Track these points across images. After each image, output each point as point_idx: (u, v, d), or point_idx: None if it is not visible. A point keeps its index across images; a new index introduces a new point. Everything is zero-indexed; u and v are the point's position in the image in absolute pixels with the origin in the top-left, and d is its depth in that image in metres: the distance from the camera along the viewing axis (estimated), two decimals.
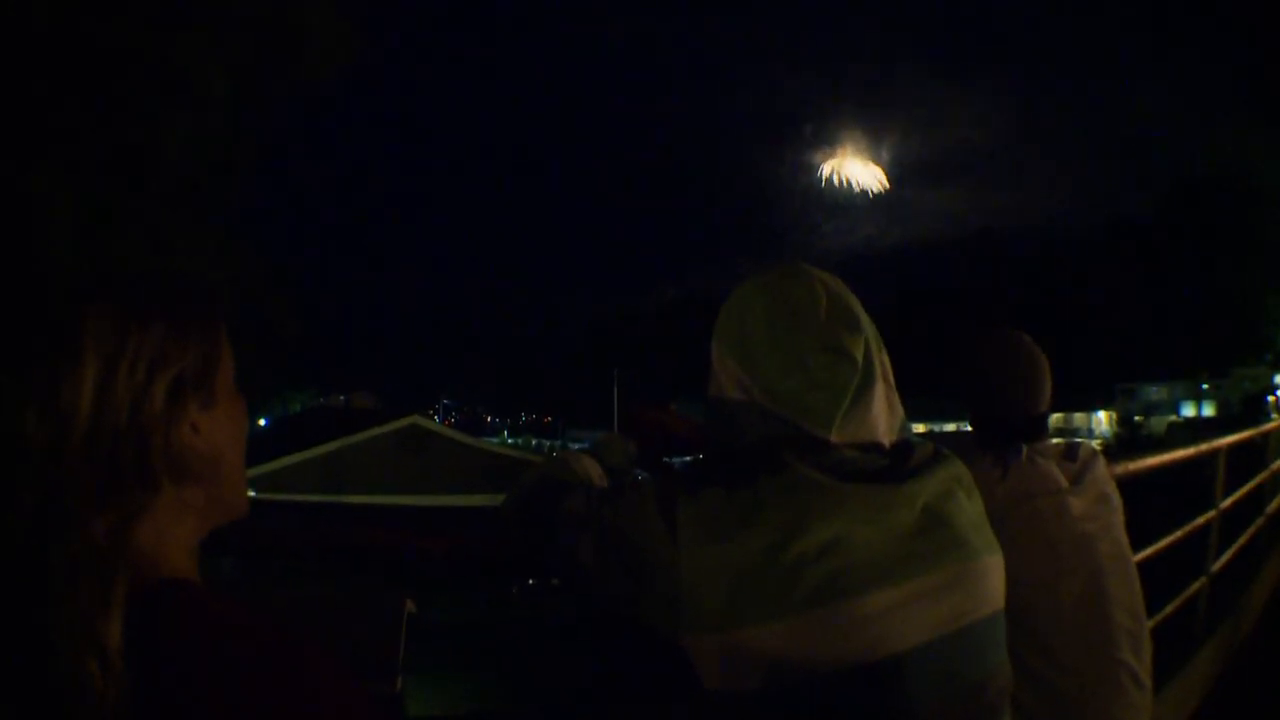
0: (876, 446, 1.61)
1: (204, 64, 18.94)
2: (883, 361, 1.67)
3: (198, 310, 1.22)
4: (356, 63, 22.88)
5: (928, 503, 1.53)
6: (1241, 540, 6.51)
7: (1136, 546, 2.81)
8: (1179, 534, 4.82)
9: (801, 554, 1.40)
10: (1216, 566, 5.69)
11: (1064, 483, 2.57)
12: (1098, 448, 2.83)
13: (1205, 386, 74.27)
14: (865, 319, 1.67)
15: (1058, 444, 2.72)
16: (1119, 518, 2.65)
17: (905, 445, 1.65)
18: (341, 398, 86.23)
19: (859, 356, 1.60)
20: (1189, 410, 76.12)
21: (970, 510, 1.61)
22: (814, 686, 1.39)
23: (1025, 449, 2.61)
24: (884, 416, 1.64)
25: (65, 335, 1.10)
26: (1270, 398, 59.58)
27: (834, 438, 1.57)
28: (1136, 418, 77.57)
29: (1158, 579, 3.91)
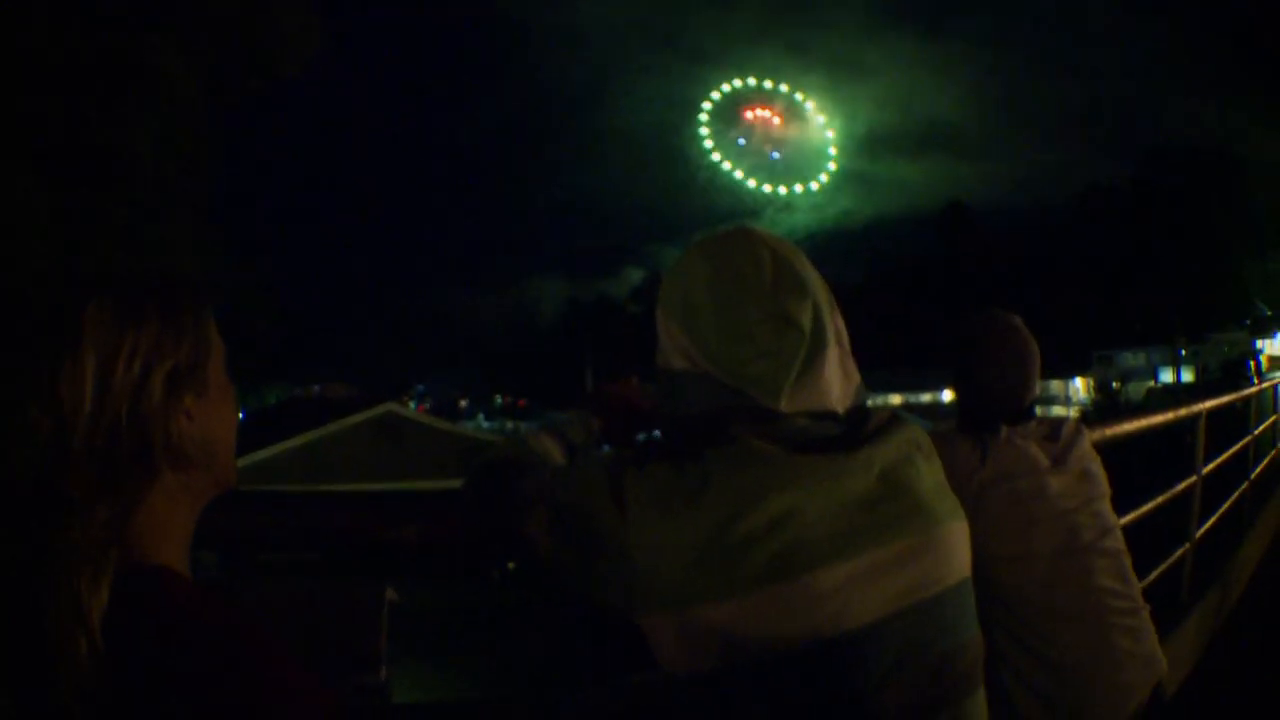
0: (830, 414, 1.55)
1: (173, 61, 19.02)
2: (836, 325, 1.61)
3: (189, 305, 1.28)
4: (326, 49, 22.98)
5: (884, 469, 1.48)
6: (1224, 507, 6.48)
7: (1119, 513, 2.78)
8: (1160, 500, 4.76)
9: (751, 529, 1.36)
10: (1200, 533, 5.65)
11: (1044, 463, 2.57)
12: (1075, 415, 2.78)
13: (1183, 352, 74.73)
14: (815, 281, 1.60)
15: (1040, 423, 2.70)
16: (1102, 491, 2.66)
17: (861, 411, 1.60)
18: (316, 388, 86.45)
19: (806, 324, 1.53)
20: (1167, 376, 76.63)
21: (930, 475, 1.56)
22: (772, 665, 1.36)
23: (1005, 430, 2.58)
24: (837, 383, 1.58)
25: (66, 332, 1.16)
26: (1251, 362, 59.89)
27: (784, 407, 1.51)
28: (1114, 384, 78.16)
29: (1141, 546, 3.86)
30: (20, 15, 16.66)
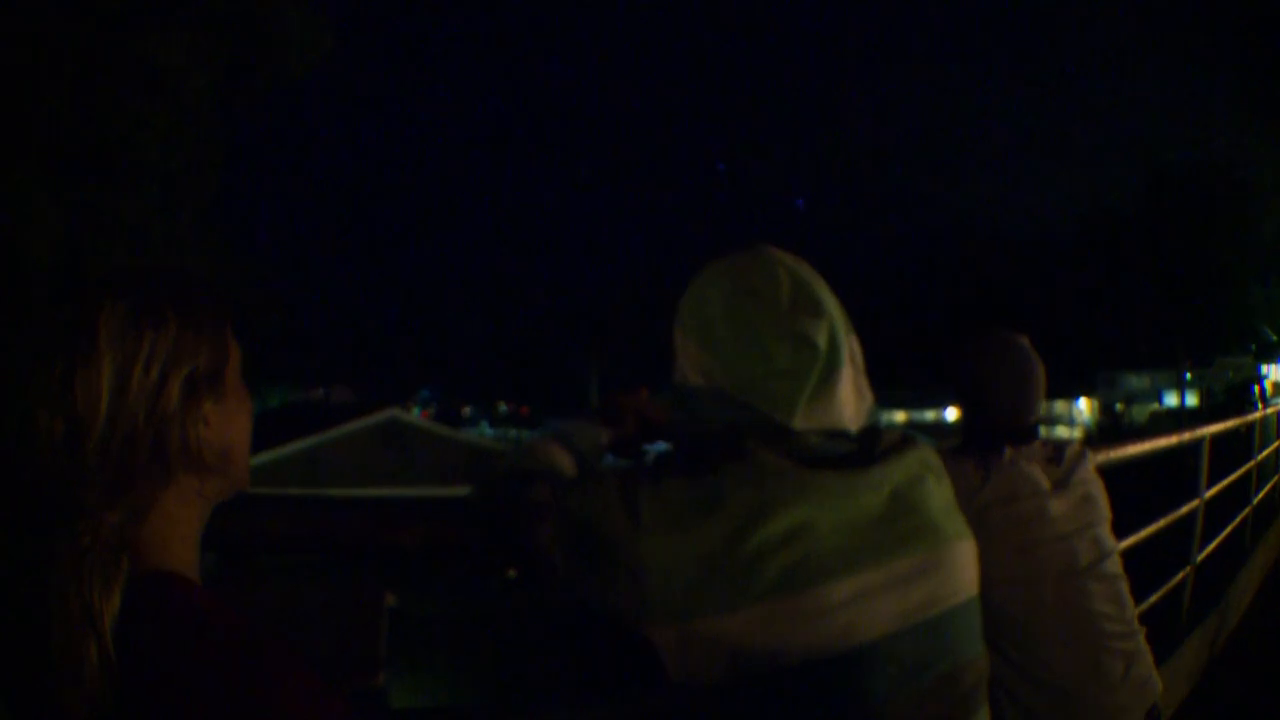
0: (843, 433, 1.56)
1: (181, 60, 19.05)
2: (851, 345, 1.62)
3: (208, 308, 1.26)
4: (333, 55, 23.03)
5: (896, 488, 1.50)
6: (1226, 531, 6.48)
7: (1120, 535, 2.80)
8: (1162, 523, 4.76)
9: (763, 542, 1.37)
10: (1201, 556, 5.64)
11: (1045, 486, 2.58)
12: (1079, 436, 2.79)
13: (1188, 376, 74.32)
14: (831, 302, 1.63)
15: (1044, 445, 2.71)
16: (1102, 515, 2.66)
17: (873, 430, 1.61)
18: (321, 391, 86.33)
19: (822, 343, 1.55)
20: (1171, 399, 76.27)
21: (940, 495, 1.58)
22: (779, 678, 1.36)
23: (1009, 451, 2.60)
24: (851, 402, 1.59)
25: (80, 334, 1.12)
26: (1256, 387, 59.47)
27: (798, 425, 1.52)
28: (1118, 406, 77.88)
29: (1143, 568, 3.87)
30: (27, 12, 16.71)
